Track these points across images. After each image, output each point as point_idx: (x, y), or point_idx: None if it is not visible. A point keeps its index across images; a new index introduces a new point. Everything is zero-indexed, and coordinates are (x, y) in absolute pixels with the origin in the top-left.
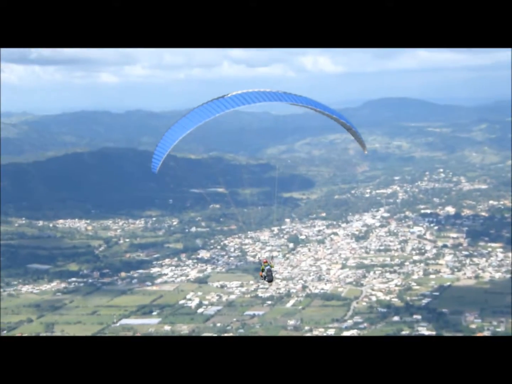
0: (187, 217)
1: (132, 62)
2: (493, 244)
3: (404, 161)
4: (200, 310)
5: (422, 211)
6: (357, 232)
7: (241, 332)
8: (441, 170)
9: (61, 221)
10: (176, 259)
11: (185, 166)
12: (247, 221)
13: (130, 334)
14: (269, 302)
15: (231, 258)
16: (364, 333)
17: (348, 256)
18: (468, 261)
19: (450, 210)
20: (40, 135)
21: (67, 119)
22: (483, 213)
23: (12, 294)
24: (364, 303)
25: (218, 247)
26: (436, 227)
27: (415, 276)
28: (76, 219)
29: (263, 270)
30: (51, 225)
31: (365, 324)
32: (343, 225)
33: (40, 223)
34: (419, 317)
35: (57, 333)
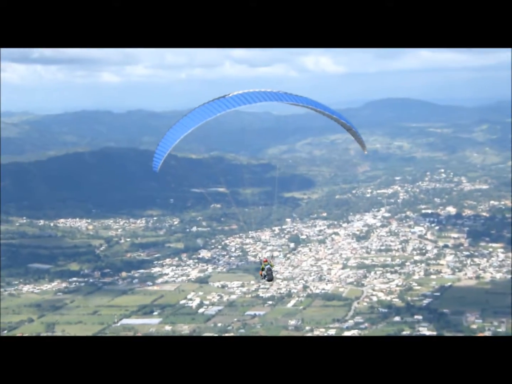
0: (188, 216)
1: (134, 62)
2: (494, 245)
3: (405, 161)
4: (201, 310)
5: (423, 211)
6: (358, 232)
7: (242, 332)
8: (442, 170)
9: (62, 220)
10: (177, 259)
11: (186, 166)
12: (248, 221)
13: (131, 334)
14: (270, 302)
15: (232, 258)
16: (365, 333)
17: (349, 256)
18: (469, 261)
19: (451, 210)
20: (41, 135)
21: (69, 118)
22: (484, 214)
23: (13, 293)
24: (365, 303)
25: (219, 247)
26: (437, 227)
27: (416, 277)
28: (77, 219)
29: (263, 269)
30: (52, 224)
31: (366, 324)
32: (344, 225)
33: (41, 222)
34: (420, 317)
35: (58, 333)
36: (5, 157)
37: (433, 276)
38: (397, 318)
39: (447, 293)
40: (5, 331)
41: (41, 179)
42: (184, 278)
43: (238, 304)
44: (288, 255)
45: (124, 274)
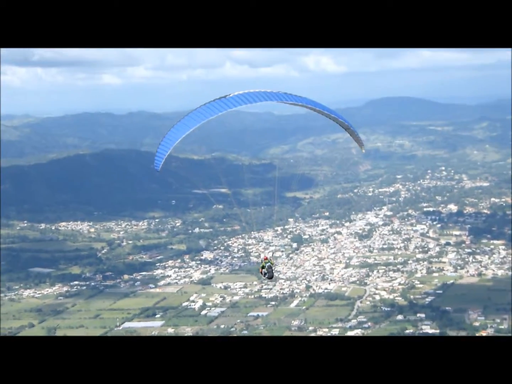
0: (190, 218)
1: (135, 64)
2: (495, 241)
3: (406, 159)
4: (203, 312)
5: (425, 209)
6: (360, 231)
7: (245, 333)
8: (443, 168)
9: (63, 223)
10: (179, 260)
11: (188, 167)
12: (250, 222)
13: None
14: (273, 303)
15: (235, 259)
16: (368, 332)
17: (352, 255)
18: (471, 258)
19: (453, 208)
20: (42, 138)
21: (69, 121)
22: (485, 211)
23: (13, 298)
24: (368, 302)
25: (222, 248)
26: (438, 225)
27: (418, 275)
28: (79, 222)
29: (263, 267)
30: (53, 227)
31: (369, 323)
32: (346, 224)
33: (42, 226)
34: (422, 315)
35: None
36: (6, 160)
37: (435, 274)
38: (400, 317)
39: (450, 290)
40: None
41: (42, 182)
42: (187, 280)
43: (241, 305)
44: (290, 255)
45: (126, 276)
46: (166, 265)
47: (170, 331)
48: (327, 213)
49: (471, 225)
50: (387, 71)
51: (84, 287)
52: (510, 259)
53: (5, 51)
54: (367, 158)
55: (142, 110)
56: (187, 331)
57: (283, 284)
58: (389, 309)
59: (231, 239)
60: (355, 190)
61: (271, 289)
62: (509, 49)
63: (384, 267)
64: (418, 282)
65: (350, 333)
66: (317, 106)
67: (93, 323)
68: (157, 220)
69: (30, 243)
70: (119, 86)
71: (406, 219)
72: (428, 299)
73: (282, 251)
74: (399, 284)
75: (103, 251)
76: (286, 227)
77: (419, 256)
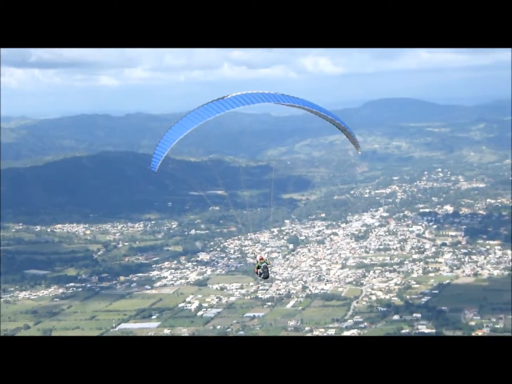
0: (186, 219)
1: (132, 65)
2: (491, 242)
3: (403, 161)
4: (200, 313)
5: (421, 210)
6: (356, 232)
7: (242, 334)
8: (440, 169)
9: (59, 225)
10: (175, 262)
11: (185, 169)
12: (247, 223)
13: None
14: (269, 303)
15: (231, 260)
16: (365, 332)
17: (348, 256)
18: (466, 258)
19: (449, 209)
20: (39, 140)
21: (67, 123)
22: (481, 212)
23: (9, 300)
24: (364, 303)
25: (218, 249)
26: (435, 226)
27: (414, 275)
28: (74, 224)
29: (259, 267)
30: (49, 230)
31: (366, 324)
32: (343, 225)
33: (38, 228)
34: (419, 315)
35: None
36: (2, 162)
37: (431, 274)
38: (396, 317)
39: (446, 290)
40: None
41: (38, 184)
42: (183, 281)
43: (237, 306)
44: (287, 256)
45: (122, 278)
46: (162, 267)
47: (166, 332)
48: (323, 215)
49: (467, 226)
50: (385, 72)
51: (80, 289)
52: (505, 259)
53: (2, 51)
54: (364, 159)
55: (140, 112)
56: (183, 332)
57: (280, 285)
58: (385, 309)
59: (228, 240)
60: (352, 192)
61: (267, 290)
62: (509, 49)
63: (380, 268)
64: (414, 282)
65: (347, 333)
66: (314, 107)
67: (89, 324)
68: (153, 222)
69: (25, 245)
70: (116, 88)
71: (402, 220)
72: (424, 299)
73: (279, 252)
74: (395, 284)
75: (99, 253)
76: (283, 228)
77: (415, 256)
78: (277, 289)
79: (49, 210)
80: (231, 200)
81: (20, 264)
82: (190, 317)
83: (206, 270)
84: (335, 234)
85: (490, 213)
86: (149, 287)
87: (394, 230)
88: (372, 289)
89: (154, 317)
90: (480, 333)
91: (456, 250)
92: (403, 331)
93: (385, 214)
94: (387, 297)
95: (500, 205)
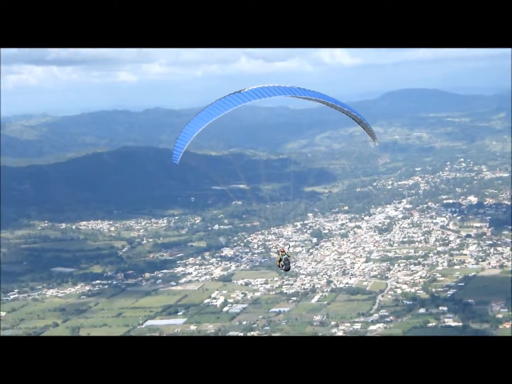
0: (209, 214)
1: (150, 60)
2: None
3: (425, 151)
4: (225, 309)
5: (445, 201)
6: (380, 225)
7: (267, 329)
8: (462, 159)
9: (83, 222)
10: (199, 257)
11: (206, 163)
12: (270, 217)
13: (156, 335)
14: (294, 298)
15: (255, 255)
16: (391, 326)
17: (372, 249)
18: (492, 250)
19: (473, 199)
20: (60, 137)
21: (86, 119)
22: (506, 202)
23: (37, 298)
24: (389, 296)
25: (242, 244)
26: (459, 217)
27: (439, 267)
28: (99, 220)
29: (280, 260)
30: (74, 227)
31: (391, 317)
32: (366, 218)
33: (63, 225)
34: (445, 308)
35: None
36: (25, 160)
37: (456, 267)
38: (422, 310)
39: (471, 283)
40: None
41: (61, 181)
42: (208, 277)
43: (262, 302)
44: (310, 250)
45: (147, 275)
46: (187, 263)
47: (193, 328)
48: (346, 207)
49: (492, 217)
50: (403, 63)
51: (106, 286)
52: None
53: (21, 50)
54: (385, 151)
55: (158, 107)
56: (209, 328)
57: (304, 280)
58: (411, 302)
59: (251, 235)
60: (374, 184)
61: (292, 284)
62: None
63: (405, 261)
64: (440, 275)
65: (372, 327)
66: (330, 100)
67: (116, 321)
68: (176, 217)
69: (51, 242)
70: (134, 83)
71: (426, 212)
72: (450, 292)
73: (302, 247)
74: (421, 277)
75: (123, 250)
76: (306, 222)
77: (439, 249)
78: (301, 284)
79: (74, 207)
80: (253, 194)
81: (47, 262)
82: (216, 313)
83: (231, 266)
84: (359, 227)
85: None
86: (174, 284)
87: (418, 222)
88: (397, 282)
89: (180, 313)
90: (507, 326)
91: (481, 242)
92: (429, 324)
93: (408, 206)
94: (413, 290)
95: None
